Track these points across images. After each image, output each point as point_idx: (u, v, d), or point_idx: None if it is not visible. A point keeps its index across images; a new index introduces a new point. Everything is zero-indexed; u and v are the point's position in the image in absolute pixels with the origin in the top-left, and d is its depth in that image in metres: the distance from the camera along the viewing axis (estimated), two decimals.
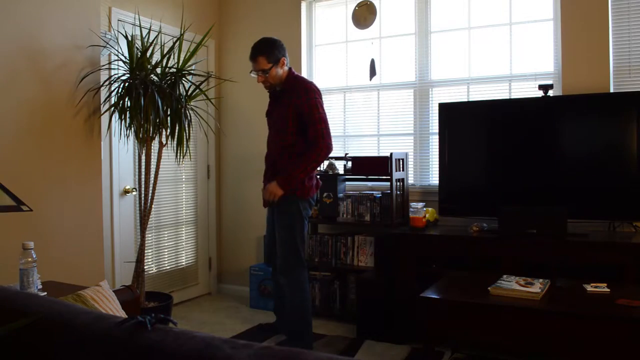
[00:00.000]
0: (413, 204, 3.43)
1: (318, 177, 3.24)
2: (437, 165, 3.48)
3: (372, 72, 3.91)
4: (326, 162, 3.86)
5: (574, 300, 2.43)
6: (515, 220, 3.08)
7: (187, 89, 3.30)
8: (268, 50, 3.06)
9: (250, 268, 4.18)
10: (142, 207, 3.24)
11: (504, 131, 3.34)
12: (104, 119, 3.17)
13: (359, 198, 3.72)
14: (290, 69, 3.16)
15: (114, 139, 3.56)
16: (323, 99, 3.13)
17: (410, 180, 3.86)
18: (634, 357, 2.15)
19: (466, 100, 3.69)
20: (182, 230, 4.28)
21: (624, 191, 3.00)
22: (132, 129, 3.13)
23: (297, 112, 3.00)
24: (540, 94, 3.29)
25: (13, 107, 2.58)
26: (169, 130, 3.20)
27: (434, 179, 3.80)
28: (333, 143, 3.03)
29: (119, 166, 3.67)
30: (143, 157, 3.24)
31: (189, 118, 3.27)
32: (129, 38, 3.16)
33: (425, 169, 3.86)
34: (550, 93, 3.31)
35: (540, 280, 2.62)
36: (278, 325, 3.48)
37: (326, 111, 3.08)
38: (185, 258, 4.33)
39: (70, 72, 2.86)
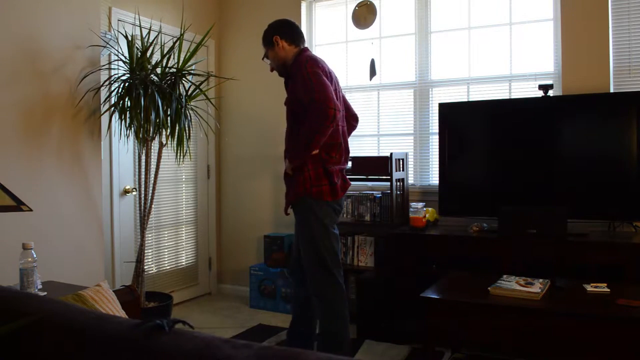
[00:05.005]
0: (413, 204, 3.43)
1: (347, 176, 2.81)
2: (437, 165, 3.48)
3: (372, 72, 3.91)
4: None
5: (574, 300, 2.43)
6: (515, 220, 3.08)
7: (187, 89, 3.30)
8: (264, 35, 2.81)
9: (250, 268, 4.17)
10: (142, 207, 3.24)
11: (504, 131, 3.34)
12: (104, 119, 3.16)
13: (359, 198, 3.72)
14: (302, 49, 2.75)
15: (114, 139, 3.56)
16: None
17: (410, 180, 3.86)
18: (634, 357, 2.15)
19: (466, 100, 3.69)
20: (182, 230, 4.28)
21: (624, 191, 3.00)
22: (132, 129, 3.13)
23: (298, 98, 2.59)
24: (540, 94, 3.29)
25: (13, 107, 2.58)
26: (169, 130, 3.20)
27: (434, 179, 3.80)
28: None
29: (119, 166, 3.67)
30: (143, 157, 3.24)
31: (189, 118, 3.27)
32: (129, 38, 3.16)
33: (425, 169, 3.86)
34: (550, 93, 3.31)
35: (540, 280, 2.62)
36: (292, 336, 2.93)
37: None
38: (185, 258, 4.32)
39: (70, 72, 2.86)
